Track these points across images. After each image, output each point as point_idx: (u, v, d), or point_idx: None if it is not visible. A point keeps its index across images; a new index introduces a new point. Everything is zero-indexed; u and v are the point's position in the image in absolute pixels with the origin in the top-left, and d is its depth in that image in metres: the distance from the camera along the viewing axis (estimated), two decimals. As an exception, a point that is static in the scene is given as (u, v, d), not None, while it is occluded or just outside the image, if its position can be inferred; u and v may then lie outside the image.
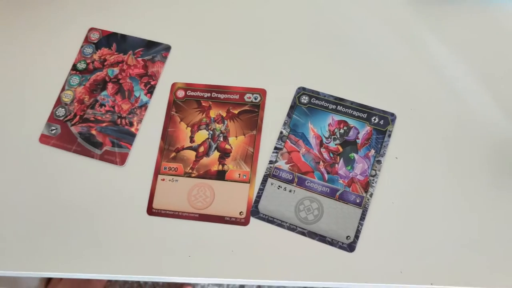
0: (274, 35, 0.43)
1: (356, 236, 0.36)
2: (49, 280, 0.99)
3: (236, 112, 0.41)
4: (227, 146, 0.40)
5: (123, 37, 0.44)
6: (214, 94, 0.41)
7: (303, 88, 0.41)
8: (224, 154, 0.39)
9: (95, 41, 0.44)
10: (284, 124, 0.40)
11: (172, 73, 0.43)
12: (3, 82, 0.44)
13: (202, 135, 0.40)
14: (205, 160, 0.39)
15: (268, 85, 0.41)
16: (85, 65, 0.43)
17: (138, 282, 0.96)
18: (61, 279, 0.97)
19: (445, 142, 0.38)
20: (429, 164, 0.38)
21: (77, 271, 0.38)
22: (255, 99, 0.41)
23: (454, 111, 0.39)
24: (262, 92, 0.41)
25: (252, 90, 0.41)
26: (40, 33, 0.45)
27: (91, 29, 0.45)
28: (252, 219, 0.38)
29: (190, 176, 0.39)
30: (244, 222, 0.37)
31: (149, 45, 0.44)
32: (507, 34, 0.42)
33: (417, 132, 0.39)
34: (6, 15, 0.46)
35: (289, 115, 0.40)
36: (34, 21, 0.46)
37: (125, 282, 0.99)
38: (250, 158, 0.39)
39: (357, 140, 0.38)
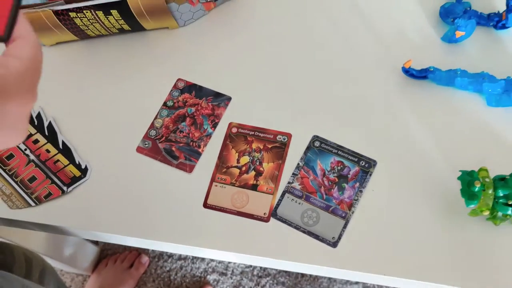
0: (301, 95, 0.63)
1: (339, 238, 0.54)
2: (96, 265, 1.18)
3: (269, 146, 0.60)
4: (261, 169, 0.59)
5: (200, 87, 0.65)
6: (256, 133, 0.61)
7: (317, 136, 0.60)
8: (258, 174, 0.59)
9: (181, 88, 0.65)
10: (301, 158, 0.59)
11: (230, 116, 0.63)
12: (119, 108, 0.65)
13: (245, 159, 0.60)
14: (245, 176, 0.59)
15: (293, 130, 0.61)
16: (172, 103, 0.64)
17: (169, 277, 1.13)
18: (106, 264, 1.17)
19: (409, 183, 0.56)
20: (395, 195, 0.56)
21: (153, 238, 0.57)
22: (284, 139, 0.60)
23: (417, 164, 0.57)
24: (288, 136, 0.60)
25: (282, 133, 0.61)
26: (146, 78, 0.66)
27: (179, 79, 0.66)
28: (272, 219, 0.56)
29: (234, 185, 0.58)
30: (266, 220, 0.56)
31: (217, 95, 0.64)
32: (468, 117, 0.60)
33: (389, 174, 0.57)
34: (126, 57, 0.68)
35: (305, 153, 0.59)
36: (144, 69, 0.67)
37: (157, 276, 1.17)
38: (275, 179, 0.58)
39: (348, 175, 0.57)
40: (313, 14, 0.68)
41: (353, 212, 0.55)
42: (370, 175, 0.57)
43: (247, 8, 0.69)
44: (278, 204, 0.57)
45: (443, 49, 0.63)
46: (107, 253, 1.21)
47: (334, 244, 0.54)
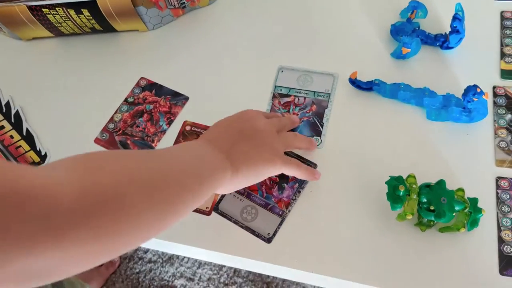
0: (251, 99, 0.66)
1: (274, 234, 0.57)
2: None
3: (219, 145, 0.63)
4: (209, 165, 0.62)
5: (161, 86, 0.68)
6: (208, 132, 0.64)
7: None
8: (206, 170, 0.62)
9: (143, 86, 0.69)
10: None
11: (186, 114, 0.66)
12: (84, 102, 0.68)
13: (194, 155, 0.63)
14: (193, 171, 0.62)
15: (243, 132, 0.64)
16: (132, 100, 0.68)
17: (137, 278, 1.15)
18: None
19: (345, 187, 0.59)
20: (331, 198, 0.58)
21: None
22: (233, 139, 0.63)
23: (355, 169, 0.60)
24: (238, 136, 0.63)
25: (232, 134, 0.64)
26: (113, 75, 0.70)
27: (141, 78, 0.69)
28: (213, 213, 0.59)
29: (181, 180, 0.61)
30: (208, 213, 0.59)
31: (176, 95, 0.68)
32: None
33: (327, 179, 0.60)
34: (96, 55, 0.72)
35: None
36: (112, 67, 0.71)
37: (126, 277, 1.19)
38: (221, 176, 0.61)
39: (289, 176, 0.60)
40: (269, 26, 0.72)
41: (289, 211, 0.58)
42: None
43: (211, 18, 0.73)
44: (220, 199, 0.59)
45: (392, 65, 0.66)
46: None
47: (268, 240, 0.56)
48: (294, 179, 0.59)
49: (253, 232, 0.57)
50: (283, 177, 0.60)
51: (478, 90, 0.55)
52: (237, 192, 0.59)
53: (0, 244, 0.26)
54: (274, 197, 0.59)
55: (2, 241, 0.26)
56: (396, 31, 0.66)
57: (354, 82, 0.63)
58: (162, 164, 0.41)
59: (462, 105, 0.58)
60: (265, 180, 0.60)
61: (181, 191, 0.41)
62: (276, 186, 0.59)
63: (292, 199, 0.58)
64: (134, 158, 0.41)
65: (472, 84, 0.56)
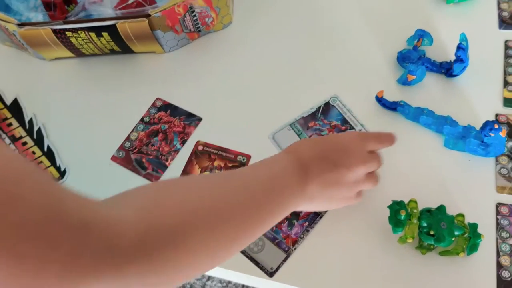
0: (263, 121, 0.69)
1: (277, 269, 0.58)
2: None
3: (229, 165, 0.66)
4: (219, 185, 0.65)
5: (175, 107, 0.72)
6: (219, 152, 0.67)
7: None
8: (216, 189, 0.64)
9: (158, 106, 0.72)
10: None
11: (199, 135, 0.69)
12: (102, 120, 0.72)
13: (206, 174, 0.66)
14: (204, 190, 0.64)
15: (253, 153, 0.66)
16: (148, 119, 0.71)
17: None
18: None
19: (354, 218, 0.61)
20: (340, 237, 0.60)
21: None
22: (243, 160, 0.66)
23: (366, 199, 0.62)
24: (248, 157, 0.66)
25: (242, 154, 0.66)
26: (130, 95, 0.74)
27: (157, 98, 0.73)
28: (222, 231, 0.61)
29: (193, 198, 0.64)
30: (217, 231, 0.62)
31: (189, 115, 0.71)
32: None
33: (338, 218, 0.61)
34: (114, 75, 0.76)
35: None
36: (129, 87, 0.74)
37: None
38: (231, 195, 0.64)
39: (300, 213, 0.62)
40: (280, 51, 0.75)
41: (295, 248, 0.60)
42: (321, 217, 0.61)
43: (224, 42, 0.77)
44: (230, 221, 0.62)
45: (398, 90, 0.68)
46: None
47: (271, 274, 0.58)
48: (305, 217, 0.61)
49: (257, 263, 0.59)
50: (294, 214, 0.61)
51: (496, 126, 0.57)
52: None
53: (70, 271, 0.27)
54: (283, 232, 0.61)
55: (72, 268, 0.27)
56: (403, 58, 0.68)
57: (380, 100, 0.66)
58: (229, 189, 0.41)
59: (480, 139, 0.60)
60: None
61: (247, 221, 0.40)
62: (287, 222, 0.61)
63: (300, 237, 0.60)
64: (200, 185, 0.40)
65: (491, 119, 0.60)
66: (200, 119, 0.70)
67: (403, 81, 0.67)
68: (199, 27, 0.75)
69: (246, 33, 0.78)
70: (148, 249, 0.32)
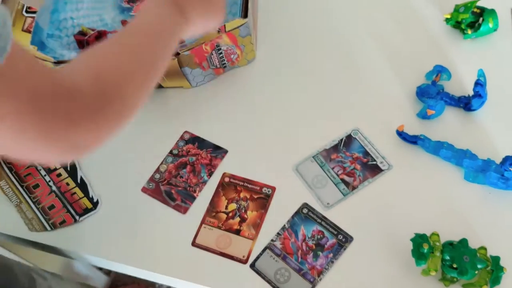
0: (288, 155, 0.71)
1: None
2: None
3: (255, 197, 0.69)
4: (245, 216, 0.67)
5: (203, 140, 0.75)
6: (245, 183, 0.70)
7: (306, 204, 0.67)
8: (242, 220, 0.67)
9: (186, 139, 0.75)
10: (288, 221, 0.66)
11: (225, 166, 0.72)
12: (133, 151, 0.75)
13: (232, 206, 0.68)
14: (231, 221, 0.67)
15: (277, 185, 0.69)
16: (177, 152, 0.74)
17: None
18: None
19: (379, 251, 0.63)
20: (363, 269, 0.62)
21: (147, 268, 0.65)
22: (268, 191, 0.69)
23: (389, 230, 0.64)
24: (273, 189, 0.69)
25: (267, 186, 0.69)
26: (159, 128, 0.77)
27: (185, 132, 0.76)
28: (249, 269, 0.63)
29: (220, 229, 0.67)
30: (244, 262, 0.64)
31: (216, 148, 0.74)
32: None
33: (362, 252, 0.63)
34: (144, 109, 0.79)
35: (292, 216, 0.66)
36: (159, 120, 0.78)
37: None
38: (257, 226, 0.66)
39: (325, 245, 0.64)
40: (302, 86, 0.78)
41: (320, 279, 0.61)
42: (345, 249, 0.63)
43: (248, 76, 0.80)
44: (258, 257, 0.64)
45: (417, 123, 0.70)
46: (117, 285, 1.29)
47: None
48: (330, 248, 0.63)
49: (283, 294, 0.61)
50: (319, 245, 0.64)
51: (515, 162, 0.59)
52: (274, 253, 0.64)
53: (65, 126, 0.38)
54: (308, 263, 0.63)
55: (65, 124, 0.38)
56: (422, 93, 0.71)
57: (401, 134, 0.68)
58: (139, 46, 0.48)
59: (500, 172, 0.61)
60: (301, 245, 0.64)
61: (155, 63, 0.49)
62: (312, 253, 0.63)
63: (325, 268, 0.62)
64: (119, 50, 0.47)
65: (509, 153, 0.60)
66: (226, 151, 0.73)
67: (423, 115, 0.70)
68: (225, 63, 0.79)
69: (269, 68, 0.81)
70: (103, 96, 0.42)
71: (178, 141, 0.76)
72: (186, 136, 0.76)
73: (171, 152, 0.75)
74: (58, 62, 0.75)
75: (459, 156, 0.65)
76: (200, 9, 0.55)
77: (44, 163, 0.45)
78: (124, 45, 0.47)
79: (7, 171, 0.76)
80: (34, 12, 0.83)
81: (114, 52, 0.46)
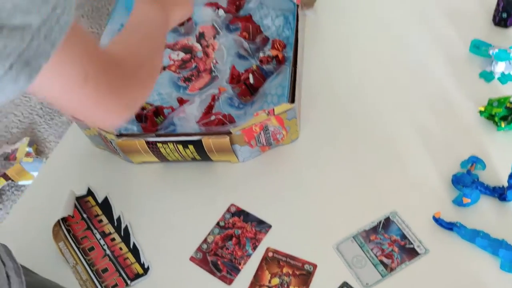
0: (332, 233, 0.76)
1: None
2: None
3: (297, 273, 0.72)
4: (288, 291, 0.71)
5: (248, 214, 0.80)
6: (288, 259, 0.74)
7: (346, 283, 0.71)
8: (285, 295, 0.71)
9: (232, 212, 0.81)
10: None
11: (269, 241, 0.76)
12: (182, 221, 0.81)
13: (275, 280, 0.72)
14: (273, 295, 0.71)
15: (318, 263, 0.73)
16: (223, 224, 0.79)
17: None
18: None
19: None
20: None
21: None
22: (310, 268, 0.73)
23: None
24: (314, 266, 0.73)
25: (309, 263, 0.73)
26: (207, 199, 0.83)
27: (232, 205, 0.82)
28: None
29: (263, 302, 0.70)
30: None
31: (260, 222, 0.79)
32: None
33: None
34: (193, 180, 0.86)
35: None
36: (207, 191, 0.84)
37: None
38: (298, 302, 0.70)
39: None
40: (343, 167, 0.83)
41: None
42: None
43: (292, 154, 0.86)
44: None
45: (452, 210, 0.74)
46: None
47: None
48: None
49: None
50: None
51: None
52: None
53: (124, 85, 0.47)
54: None
55: (124, 84, 0.47)
56: (457, 181, 0.75)
57: (437, 220, 0.72)
58: (150, 40, 0.57)
59: None
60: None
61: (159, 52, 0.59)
62: None
63: None
64: (139, 43, 0.56)
65: None
66: (270, 226, 0.78)
67: (458, 203, 0.74)
68: (271, 142, 0.85)
69: (311, 147, 0.87)
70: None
71: (224, 213, 0.81)
72: (232, 209, 0.81)
73: (218, 223, 0.80)
74: (120, 135, 0.83)
75: (495, 246, 0.68)
76: (174, 5, 0.65)
77: (107, 124, 0.51)
78: (137, 38, 0.57)
79: (66, 233, 0.82)
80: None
81: (132, 42, 0.56)
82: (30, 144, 1.88)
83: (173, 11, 0.64)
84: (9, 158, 1.81)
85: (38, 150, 1.90)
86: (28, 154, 1.82)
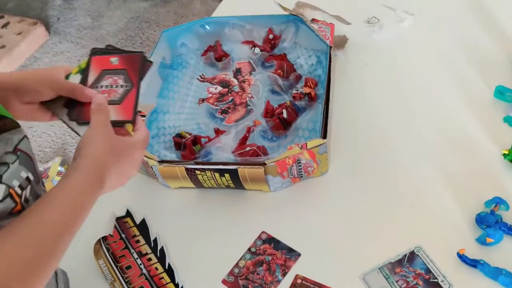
0: (358, 263, 0.79)
1: None
2: None
3: (325, 300, 0.76)
4: (315, 318, 0.74)
5: (278, 241, 0.84)
6: (316, 287, 0.77)
7: None
8: (312, 321, 0.74)
9: (263, 239, 0.85)
10: None
11: (298, 269, 0.80)
12: (212, 242, 0.85)
13: (304, 307, 0.76)
14: (302, 321, 0.74)
15: (346, 292, 0.76)
16: (255, 250, 0.84)
17: None
18: None
19: None
20: None
21: None
22: (337, 297, 0.76)
23: None
24: (341, 295, 0.76)
25: (336, 292, 0.77)
26: (240, 225, 0.87)
27: (263, 232, 0.86)
28: None
29: (291, 327, 0.74)
30: None
31: (290, 250, 0.83)
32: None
33: None
34: (227, 206, 0.90)
35: None
36: (239, 218, 0.88)
37: None
38: (325, 328, 0.73)
39: None
40: (369, 201, 0.87)
41: None
42: None
43: (322, 186, 0.91)
44: None
45: (477, 248, 0.77)
46: None
47: None
48: None
49: None
50: None
51: None
52: None
53: None
54: None
55: None
56: (481, 221, 0.79)
57: (461, 257, 0.75)
58: (43, 236, 0.51)
59: None
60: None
61: (58, 244, 0.52)
62: None
63: None
64: (24, 238, 0.49)
65: None
66: (299, 255, 0.82)
67: (482, 242, 0.77)
68: (302, 173, 0.90)
69: (339, 180, 0.91)
70: None
71: (256, 239, 0.85)
72: (263, 236, 0.85)
73: (249, 249, 0.84)
74: (161, 162, 0.89)
75: (517, 284, 0.71)
76: (118, 171, 0.61)
77: None
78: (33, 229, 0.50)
79: (105, 251, 0.87)
80: (144, 116, 0.99)
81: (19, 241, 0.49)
82: (62, 164, 1.96)
83: (115, 179, 0.61)
84: (42, 176, 1.89)
85: (69, 170, 1.99)
86: (59, 173, 1.90)
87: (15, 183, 0.55)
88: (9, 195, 0.53)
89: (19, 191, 0.55)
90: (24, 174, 0.57)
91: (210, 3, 2.86)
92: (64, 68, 0.69)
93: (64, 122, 0.66)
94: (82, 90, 0.65)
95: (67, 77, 0.67)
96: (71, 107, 0.65)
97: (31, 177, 0.58)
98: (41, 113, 0.67)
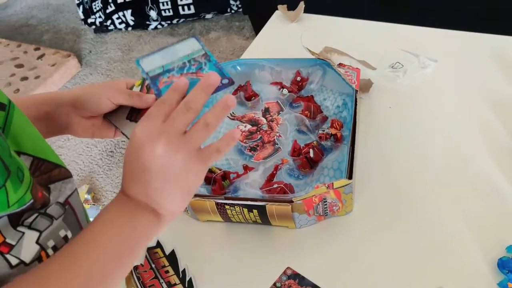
0: (379, 304, 0.81)
1: None
2: None
3: (348, 338, 0.78)
4: None
5: (303, 277, 0.87)
6: (339, 325, 0.80)
7: None
8: None
9: (288, 275, 0.88)
10: None
11: (321, 305, 0.83)
12: (238, 275, 0.88)
13: None
14: None
15: (368, 330, 0.78)
16: (280, 285, 0.86)
17: None
18: None
19: None
20: None
21: None
22: (360, 335, 0.78)
23: None
24: (364, 333, 0.78)
25: (359, 330, 0.78)
26: (263, 259, 0.90)
27: (288, 268, 0.89)
28: None
29: None
30: None
31: (314, 286, 0.85)
32: None
33: None
34: (253, 241, 0.94)
35: None
36: (265, 253, 0.92)
37: None
38: None
39: None
40: (392, 241, 0.90)
41: None
42: None
43: (346, 225, 0.94)
44: None
45: (499, 292, 0.79)
46: None
47: None
48: None
49: None
50: None
51: None
52: None
53: None
54: None
55: None
56: (503, 265, 0.80)
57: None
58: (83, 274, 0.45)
59: None
60: None
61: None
62: None
63: None
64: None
65: None
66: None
67: (504, 286, 0.78)
68: (327, 212, 0.93)
69: (363, 220, 0.94)
70: None
71: (281, 275, 0.88)
72: (289, 272, 0.88)
73: (274, 284, 0.87)
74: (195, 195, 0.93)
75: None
76: (180, 201, 0.51)
77: None
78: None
79: (136, 280, 0.91)
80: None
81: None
82: (88, 192, 2.02)
83: (176, 210, 0.52)
84: (69, 203, 1.95)
85: (95, 197, 2.04)
86: (86, 201, 1.96)
87: (50, 244, 0.50)
88: (38, 258, 0.48)
89: (51, 252, 0.50)
90: (63, 232, 0.53)
91: (236, 41, 2.97)
92: (126, 81, 0.67)
93: (126, 136, 0.60)
94: (140, 95, 0.61)
95: (130, 88, 0.65)
96: (136, 120, 0.59)
97: (70, 235, 0.54)
98: (105, 129, 0.67)
